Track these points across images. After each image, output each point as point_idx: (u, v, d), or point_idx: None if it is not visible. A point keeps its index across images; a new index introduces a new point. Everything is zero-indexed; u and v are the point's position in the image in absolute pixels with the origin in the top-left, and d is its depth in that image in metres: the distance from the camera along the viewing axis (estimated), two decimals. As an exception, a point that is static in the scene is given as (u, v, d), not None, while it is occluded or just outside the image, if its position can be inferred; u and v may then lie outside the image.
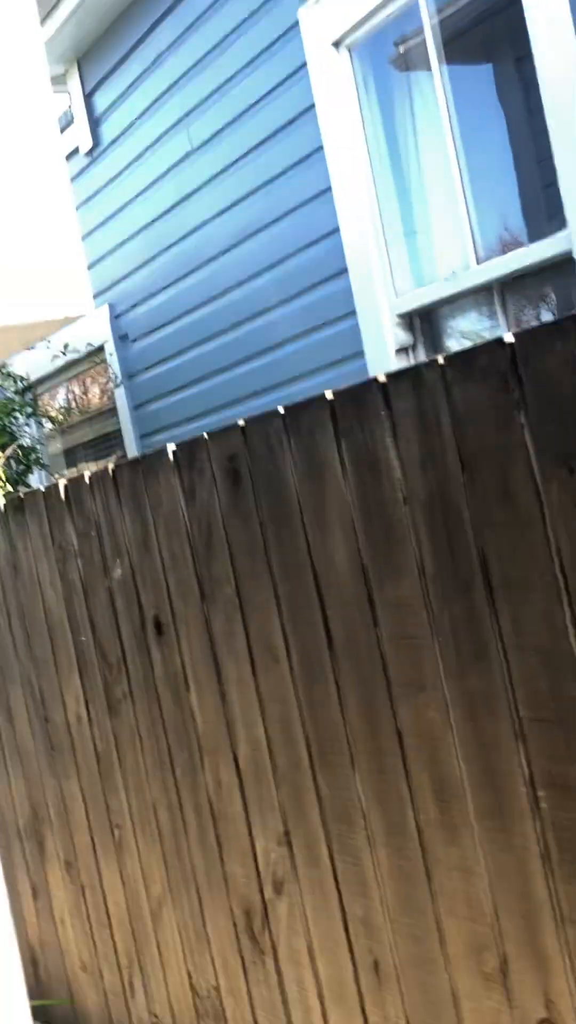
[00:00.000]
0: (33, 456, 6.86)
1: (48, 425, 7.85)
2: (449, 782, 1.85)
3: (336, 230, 5.08)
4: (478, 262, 4.60)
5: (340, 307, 5.14)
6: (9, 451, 6.21)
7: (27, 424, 7.46)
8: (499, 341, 1.61)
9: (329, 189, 5.08)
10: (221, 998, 2.65)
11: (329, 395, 1.95)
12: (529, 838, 1.72)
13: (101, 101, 6.79)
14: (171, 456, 2.45)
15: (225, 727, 2.43)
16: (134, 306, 6.74)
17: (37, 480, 7.44)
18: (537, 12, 3.70)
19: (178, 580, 2.51)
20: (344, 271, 5.07)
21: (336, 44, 4.95)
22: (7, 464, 6.17)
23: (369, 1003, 2.15)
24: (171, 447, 2.45)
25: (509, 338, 1.59)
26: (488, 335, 4.73)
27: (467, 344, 4.81)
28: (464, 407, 1.68)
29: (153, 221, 6.49)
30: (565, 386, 1.51)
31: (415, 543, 1.82)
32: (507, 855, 1.76)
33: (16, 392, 7.19)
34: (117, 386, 6.91)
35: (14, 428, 6.93)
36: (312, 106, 5.11)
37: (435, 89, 4.63)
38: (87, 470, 2.90)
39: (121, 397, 6.94)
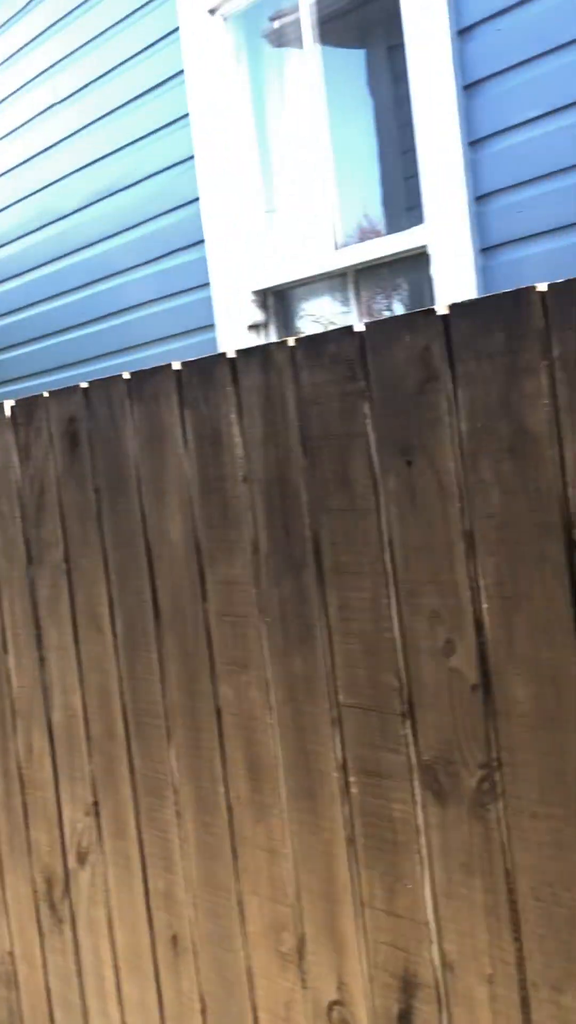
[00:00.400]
0: None
1: None
2: (263, 762, 1.86)
3: (196, 199, 5.04)
4: (336, 247, 4.62)
5: (194, 278, 5.10)
6: None
7: None
8: (349, 329, 1.61)
9: (192, 158, 5.03)
10: (15, 964, 2.62)
11: (176, 365, 1.93)
12: (337, 822, 1.74)
13: (-34, 39, 6.58)
14: (8, 412, 2.39)
15: (41, 692, 2.40)
16: (-17, 254, 6.57)
17: None
18: (409, 4, 3.72)
19: (5, 540, 2.46)
20: (201, 242, 5.04)
21: (212, 11, 4.89)
22: None
23: (164, 976, 2.15)
24: (8, 404, 2.39)
25: (360, 327, 1.59)
26: (340, 321, 4.76)
27: (319, 328, 4.83)
28: (310, 391, 1.68)
29: (10, 170, 6.33)
30: (410, 380, 1.52)
31: (251, 521, 1.82)
32: (314, 837, 1.78)
33: None
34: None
35: None
36: (181, 71, 5.05)
37: (307, 68, 4.62)
38: None
39: (-38, 346, 6.76)
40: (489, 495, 1.45)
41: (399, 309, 4.48)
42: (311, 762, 1.77)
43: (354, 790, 1.71)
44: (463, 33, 3.52)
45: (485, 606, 1.47)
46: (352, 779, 1.71)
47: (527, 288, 1.36)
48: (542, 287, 1.35)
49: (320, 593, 1.71)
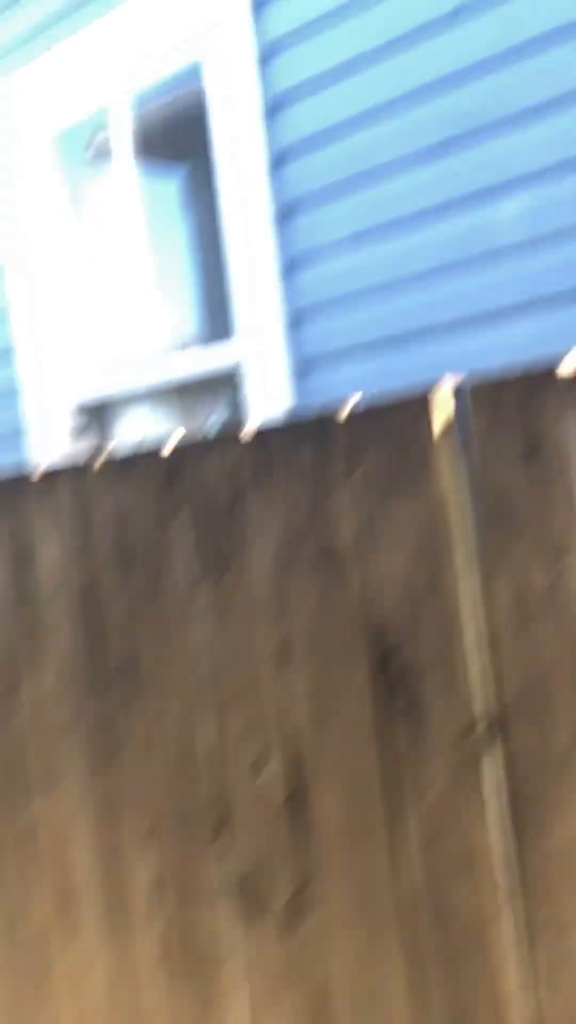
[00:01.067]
0: None
1: None
2: (74, 880, 1.82)
3: (6, 308, 5.04)
4: (156, 362, 4.67)
5: (6, 387, 5.08)
6: None
7: None
8: (161, 445, 1.63)
9: None
10: None
11: (-11, 478, 1.92)
12: (147, 941, 1.71)
13: None
14: None
15: None
16: None
17: None
18: (221, 127, 3.86)
19: None
20: (12, 351, 5.03)
21: (35, 125, 4.96)
22: None
23: None
24: None
25: (174, 443, 1.62)
26: (159, 434, 4.79)
27: (137, 441, 4.84)
28: (125, 506, 1.69)
29: None
30: (222, 496, 1.54)
31: (65, 634, 1.80)
32: (123, 963, 1.74)
33: None
34: None
35: None
36: None
37: (126, 185, 4.72)
38: None
39: None
40: (298, 610, 1.47)
41: (216, 424, 4.55)
42: (121, 880, 1.74)
43: (168, 908, 1.68)
44: (277, 160, 3.66)
45: (296, 720, 1.49)
46: (166, 896, 1.68)
47: (334, 406, 1.41)
48: (348, 405, 1.39)
49: (133, 707, 1.70)
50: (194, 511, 1.59)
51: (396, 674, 1.38)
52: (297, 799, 1.50)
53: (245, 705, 1.55)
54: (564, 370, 1.19)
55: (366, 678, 1.41)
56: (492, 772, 1.30)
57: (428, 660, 1.34)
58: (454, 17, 3.09)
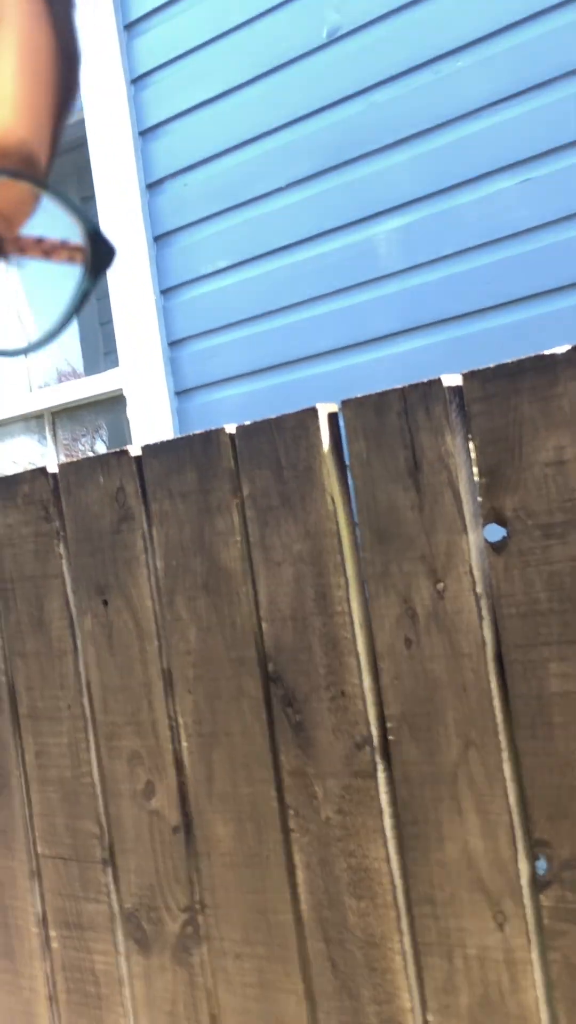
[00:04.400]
0: None
1: None
2: (-41, 922, 1.77)
3: None
4: (32, 389, 4.61)
5: None
6: None
7: None
8: (43, 470, 1.61)
9: None
10: None
11: None
12: (38, 979, 1.67)
13: None
14: None
15: None
16: None
17: None
18: (99, 157, 3.84)
19: None
20: None
21: None
22: None
23: None
24: None
25: (53, 468, 1.59)
26: (38, 462, 4.73)
27: (15, 469, 4.78)
28: (4, 532, 1.65)
29: None
30: (105, 520, 1.52)
31: None
32: (14, 997, 1.70)
33: None
34: None
35: None
36: None
37: None
38: None
39: None
40: (186, 632, 1.46)
41: (98, 450, 4.50)
42: (9, 917, 1.70)
43: (55, 944, 1.64)
44: (152, 187, 3.65)
45: (184, 745, 1.47)
46: (53, 933, 1.64)
47: (217, 430, 1.40)
48: (231, 428, 1.39)
49: (16, 739, 1.67)
50: (77, 535, 1.56)
51: (284, 696, 1.37)
52: (187, 826, 1.48)
53: (132, 732, 1.52)
54: (441, 386, 1.21)
55: (255, 702, 1.40)
56: (383, 791, 1.30)
57: (316, 681, 1.34)
58: (328, 41, 3.13)
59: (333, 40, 3.14)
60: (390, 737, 1.29)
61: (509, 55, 2.84)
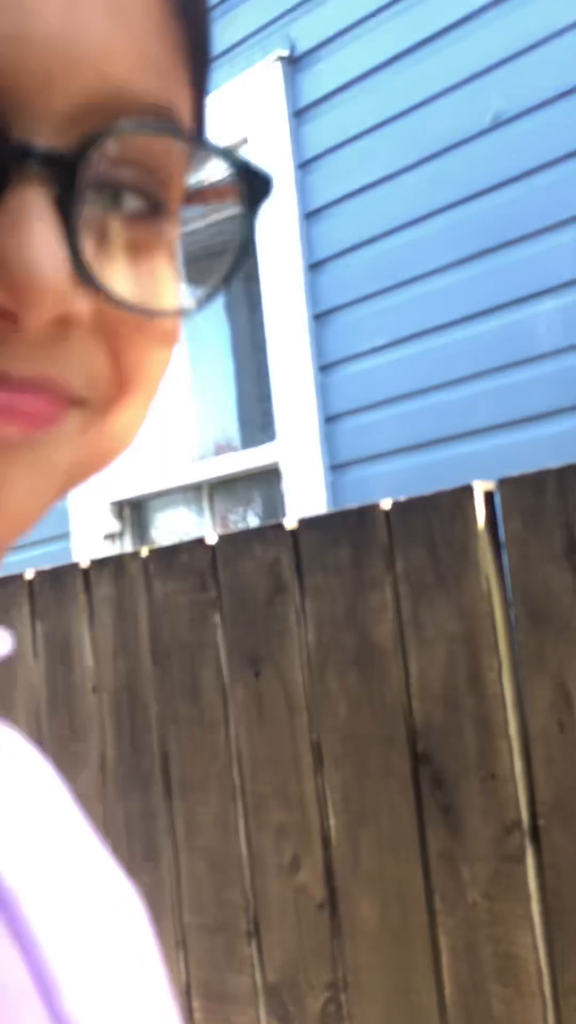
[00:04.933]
0: None
1: None
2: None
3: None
4: (193, 461, 4.72)
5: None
6: None
7: None
8: (201, 541, 1.64)
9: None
10: None
11: (29, 574, 1.93)
12: (180, 1050, 1.67)
13: None
14: None
15: None
16: None
17: None
18: (264, 233, 3.94)
19: None
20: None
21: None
22: None
23: None
24: None
25: (212, 539, 1.63)
26: (195, 532, 4.81)
27: (174, 538, 4.86)
28: (162, 601, 1.69)
29: None
30: (260, 591, 1.55)
31: (99, 734, 1.79)
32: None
33: None
34: None
35: None
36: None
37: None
38: None
39: None
40: (335, 707, 1.46)
41: (252, 522, 4.57)
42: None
43: (197, 1015, 1.65)
44: (314, 267, 3.72)
45: (332, 821, 1.47)
46: (196, 1004, 1.65)
47: (372, 505, 1.42)
48: (386, 504, 1.40)
49: (167, 807, 1.69)
50: (232, 606, 1.59)
51: (433, 776, 1.36)
52: (332, 903, 1.47)
53: (280, 806, 1.53)
54: (603, 470, 1.20)
55: (403, 780, 1.39)
56: (531, 877, 1.27)
57: (466, 762, 1.33)
58: (492, 126, 3.17)
59: (497, 125, 3.17)
60: (540, 822, 1.27)
61: None
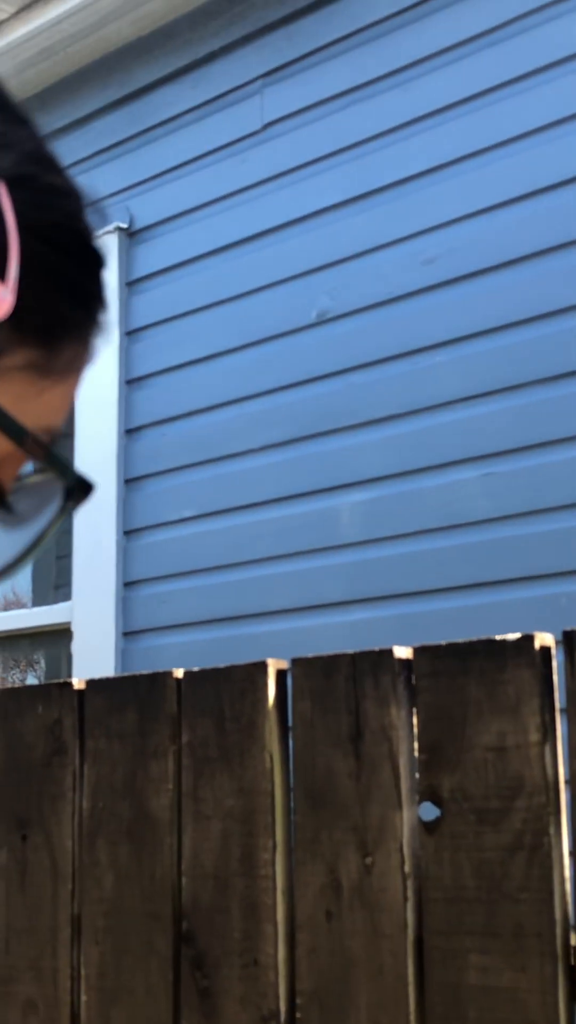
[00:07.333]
0: None
1: None
2: None
3: None
4: (-21, 612, 4.59)
5: None
6: None
7: None
8: (-19, 692, 1.59)
9: None
10: None
11: None
12: None
13: None
14: None
15: None
16: None
17: None
18: (84, 399, 3.97)
19: None
20: None
21: None
22: None
23: None
24: None
25: (-7, 691, 1.58)
26: (-29, 685, 4.66)
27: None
28: None
29: None
30: (37, 751, 1.50)
31: None
32: None
33: None
34: None
35: None
36: None
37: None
38: None
39: None
40: (102, 879, 1.41)
41: (31, 681, 4.46)
42: None
43: None
44: (130, 432, 3.76)
45: (83, 998, 1.40)
46: None
47: (165, 672, 1.40)
48: (179, 673, 1.39)
49: None
50: (6, 764, 1.53)
51: (195, 957, 1.32)
52: None
53: (31, 979, 1.45)
54: (391, 656, 1.22)
55: (163, 959, 1.34)
56: (285, 1072, 1.24)
57: (229, 945, 1.30)
58: (316, 322, 3.30)
59: (322, 322, 3.31)
60: (298, 1014, 1.24)
61: (484, 357, 3.00)
